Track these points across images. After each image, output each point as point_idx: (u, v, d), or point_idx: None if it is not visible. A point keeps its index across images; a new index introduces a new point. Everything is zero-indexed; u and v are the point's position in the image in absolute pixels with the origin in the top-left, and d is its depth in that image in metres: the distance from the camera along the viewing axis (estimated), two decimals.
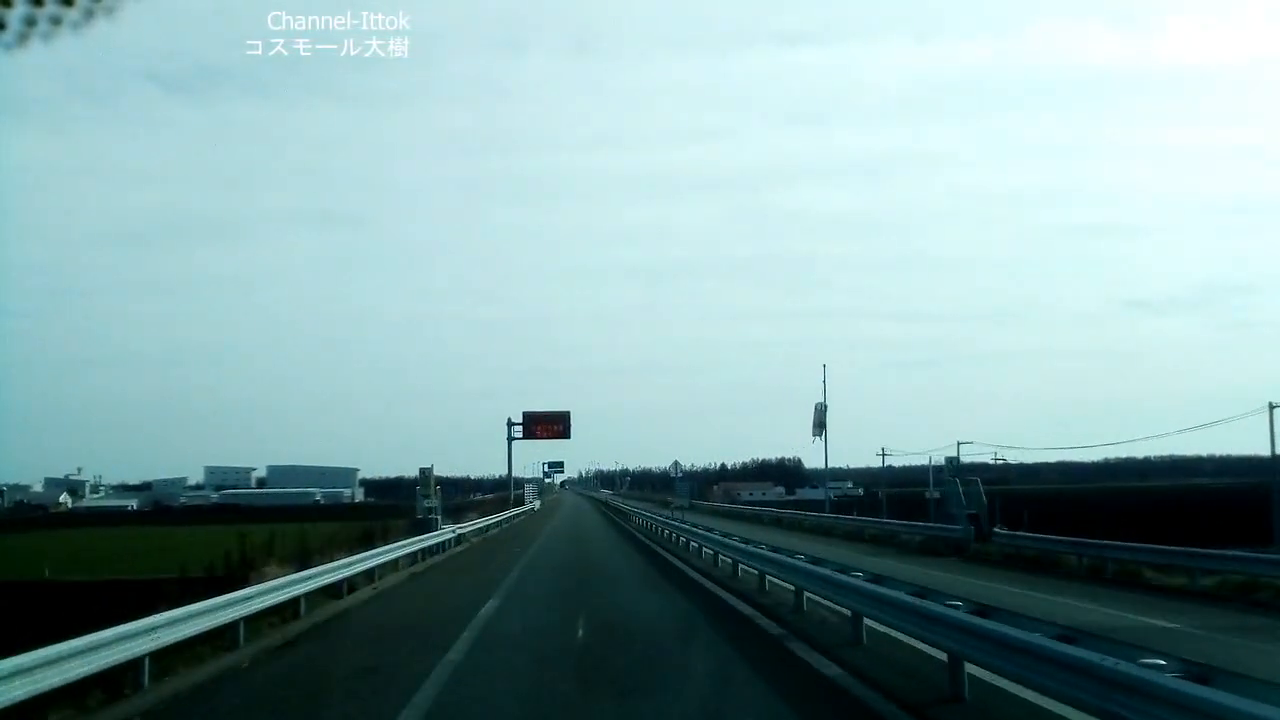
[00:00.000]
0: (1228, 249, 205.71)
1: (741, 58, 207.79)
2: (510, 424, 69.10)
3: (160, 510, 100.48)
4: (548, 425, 69.75)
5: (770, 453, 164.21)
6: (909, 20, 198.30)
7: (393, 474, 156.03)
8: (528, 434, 68.92)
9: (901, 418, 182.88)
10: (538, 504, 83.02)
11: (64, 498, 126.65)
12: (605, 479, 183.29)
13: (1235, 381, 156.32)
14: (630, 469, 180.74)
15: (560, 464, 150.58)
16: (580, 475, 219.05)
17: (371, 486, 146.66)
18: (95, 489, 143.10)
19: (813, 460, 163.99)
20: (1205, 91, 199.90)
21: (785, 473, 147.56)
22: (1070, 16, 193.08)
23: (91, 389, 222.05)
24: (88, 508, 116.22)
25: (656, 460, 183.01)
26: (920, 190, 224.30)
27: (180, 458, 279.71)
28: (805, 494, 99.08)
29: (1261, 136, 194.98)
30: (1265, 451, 33.70)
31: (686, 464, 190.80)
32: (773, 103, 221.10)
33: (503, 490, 71.17)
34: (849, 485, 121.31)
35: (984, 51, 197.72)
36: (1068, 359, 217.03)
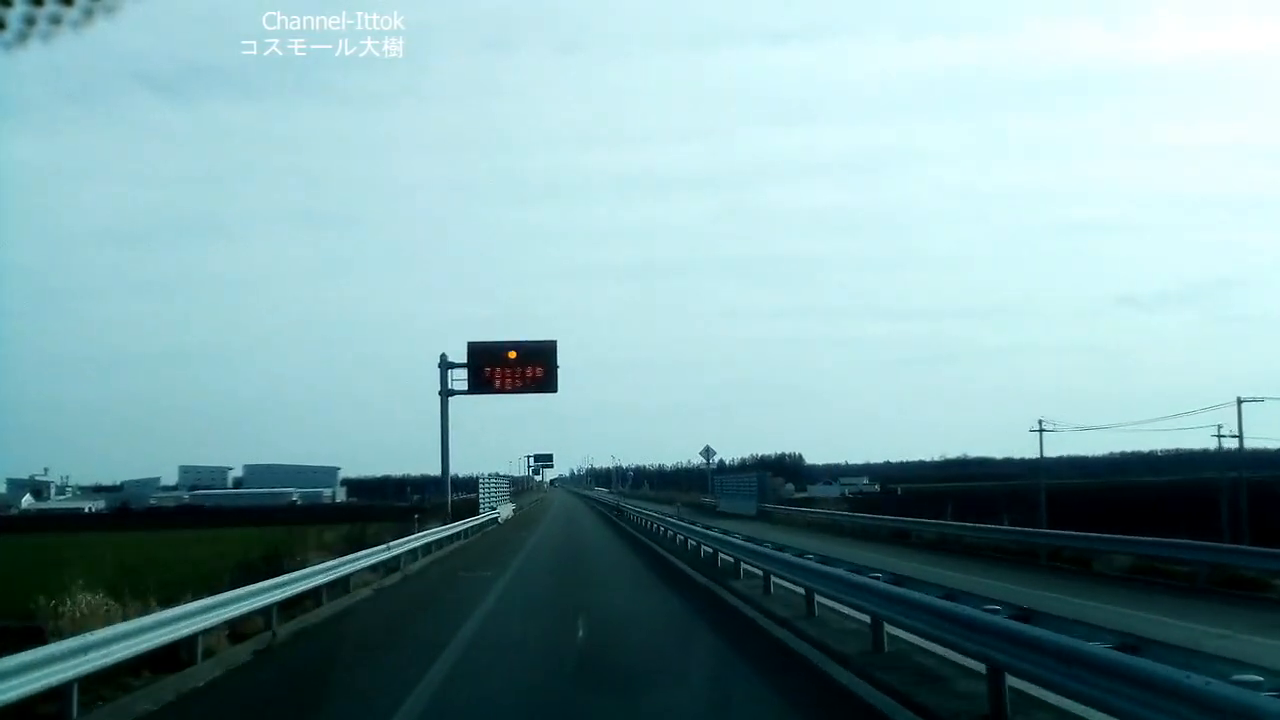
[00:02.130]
0: (1217, 244, 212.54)
1: (730, 56, 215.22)
2: (446, 365, 41.28)
3: (119, 513, 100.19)
4: (515, 370, 41.28)
5: (766, 449, 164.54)
6: (896, 18, 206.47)
7: (378, 473, 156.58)
8: (480, 384, 41.23)
9: (896, 415, 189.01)
10: (507, 511, 58.93)
11: (27, 499, 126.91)
12: (600, 476, 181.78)
13: (1226, 377, 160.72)
14: (624, 465, 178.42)
15: (549, 457, 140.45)
16: (572, 473, 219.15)
17: (355, 486, 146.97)
18: (62, 490, 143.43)
19: (812, 455, 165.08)
20: (1193, 88, 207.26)
21: (784, 469, 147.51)
22: (1058, 13, 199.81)
23: (66, 388, 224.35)
24: (40, 509, 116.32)
25: (650, 457, 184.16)
26: (910, 188, 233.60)
27: (158, 458, 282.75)
28: (819, 491, 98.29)
29: (1249, 132, 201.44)
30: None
31: (681, 460, 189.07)
32: (762, 100, 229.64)
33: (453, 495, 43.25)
34: (864, 481, 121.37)
35: (972, 48, 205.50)
36: (1059, 355, 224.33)
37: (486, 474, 58.55)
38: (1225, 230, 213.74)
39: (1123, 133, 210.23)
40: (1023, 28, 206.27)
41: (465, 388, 41.71)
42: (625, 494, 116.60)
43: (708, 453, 66.40)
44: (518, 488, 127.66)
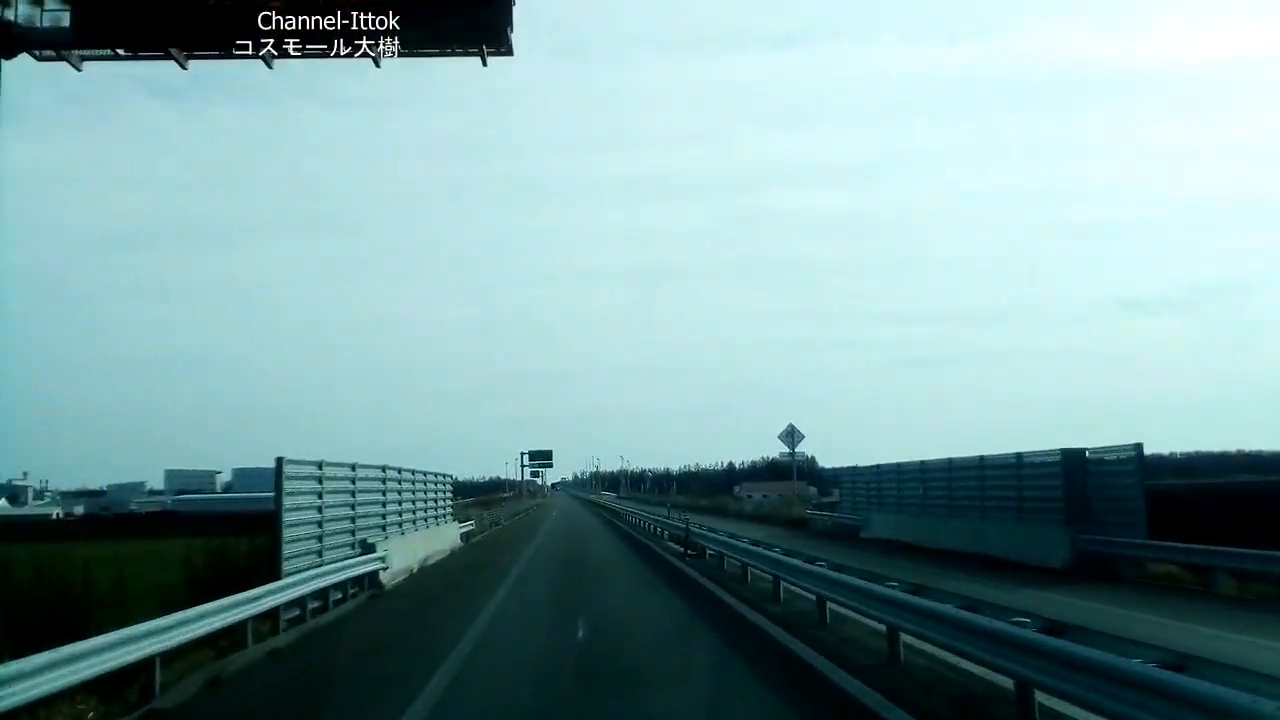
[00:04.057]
0: (1217, 248, 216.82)
1: (730, 60, 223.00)
2: None
3: (86, 520, 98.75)
4: None
5: (771, 452, 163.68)
6: (897, 22, 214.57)
7: None
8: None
9: (899, 419, 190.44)
10: (437, 544, 30.37)
11: (2, 504, 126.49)
12: (607, 480, 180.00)
13: (1226, 380, 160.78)
14: (631, 468, 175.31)
15: (547, 455, 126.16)
16: (575, 476, 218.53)
17: None
18: (40, 494, 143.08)
19: (825, 459, 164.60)
20: (1192, 90, 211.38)
21: (799, 473, 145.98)
22: (1057, 17, 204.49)
23: (57, 391, 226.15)
24: (8, 516, 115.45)
25: (653, 461, 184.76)
26: (910, 191, 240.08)
27: (153, 461, 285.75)
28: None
29: (1248, 135, 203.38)
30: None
31: (686, 464, 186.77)
32: (762, 104, 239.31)
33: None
34: None
35: (972, 51, 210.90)
36: (1060, 359, 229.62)
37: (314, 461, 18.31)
38: (1226, 233, 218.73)
39: (1122, 135, 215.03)
40: (1022, 30, 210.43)
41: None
42: (644, 500, 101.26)
43: (791, 435, 43.66)
44: (515, 492, 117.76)
